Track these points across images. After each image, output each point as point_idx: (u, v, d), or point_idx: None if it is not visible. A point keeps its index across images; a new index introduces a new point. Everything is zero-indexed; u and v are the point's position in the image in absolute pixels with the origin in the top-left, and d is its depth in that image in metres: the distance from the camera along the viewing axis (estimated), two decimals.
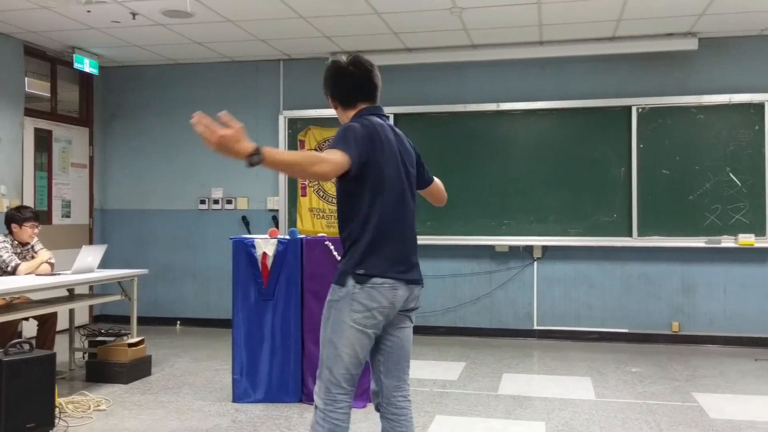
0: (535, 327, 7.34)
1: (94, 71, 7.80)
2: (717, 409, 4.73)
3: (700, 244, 6.86)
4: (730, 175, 6.83)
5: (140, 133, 8.37)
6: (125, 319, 6.18)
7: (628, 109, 7.01)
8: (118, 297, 5.89)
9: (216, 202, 8.12)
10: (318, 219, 7.65)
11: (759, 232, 6.75)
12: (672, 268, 7.06)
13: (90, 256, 5.56)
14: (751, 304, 6.89)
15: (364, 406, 4.70)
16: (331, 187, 7.59)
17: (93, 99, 8.37)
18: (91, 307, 8.24)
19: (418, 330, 7.55)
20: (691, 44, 6.77)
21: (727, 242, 6.80)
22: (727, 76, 6.94)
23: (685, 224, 6.89)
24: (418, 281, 2.79)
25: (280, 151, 2.55)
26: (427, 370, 5.88)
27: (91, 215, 8.34)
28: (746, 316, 6.90)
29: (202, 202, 8.15)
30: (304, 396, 4.81)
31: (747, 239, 6.74)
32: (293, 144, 7.74)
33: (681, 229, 6.91)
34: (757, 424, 4.40)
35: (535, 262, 7.35)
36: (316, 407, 2.71)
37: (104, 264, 6.14)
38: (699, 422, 4.43)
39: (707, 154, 6.87)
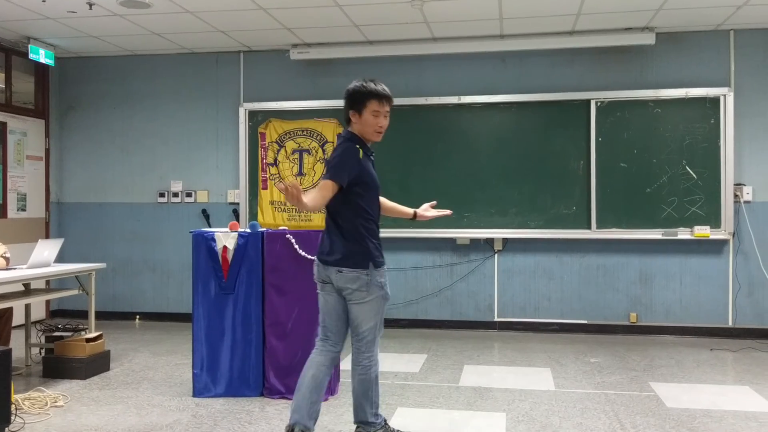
0: (496, 319, 7.41)
1: (50, 62, 7.64)
2: (673, 398, 4.83)
3: (657, 236, 6.98)
4: (687, 168, 6.95)
5: (97, 125, 8.23)
6: (83, 314, 6.08)
7: (587, 102, 7.09)
8: (75, 291, 5.78)
9: (175, 195, 8.03)
10: (279, 212, 7.61)
11: (714, 224, 6.90)
12: (630, 260, 7.18)
13: (46, 250, 5.46)
14: (706, 294, 7.05)
15: (326, 399, 4.70)
16: (292, 181, 7.54)
17: (49, 90, 8.19)
18: (47, 302, 8.09)
19: None
20: (649, 39, 6.87)
21: (683, 234, 6.94)
22: (683, 71, 7.07)
23: (643, 216, 7.01)
24: (326, 262, 3.62)
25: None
26: (389, 362, 5.89)
27: (47, 209, 8.17)
28: (702, 307, 7.05)
29: (162, 195, 8.05)
30: (266, 390, 4.79)
31: (702, 231, 6.88)
32: (253, 136, 7.68)
33: (638, 221, 7.02)
34: (712, 412, 4.50)
35: (496, 255, 7.41)
36: None
37: (61, 258, 6.03)
38: (656, 411, 4.52)
39: (664, 148, 6.99)
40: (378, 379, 3.73)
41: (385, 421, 3.83)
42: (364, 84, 3.59)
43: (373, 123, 3.59)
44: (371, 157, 3.72)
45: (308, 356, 4.69)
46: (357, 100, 3.59)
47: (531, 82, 7.32)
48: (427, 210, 4.14)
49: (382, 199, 3.88)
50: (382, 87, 3.60)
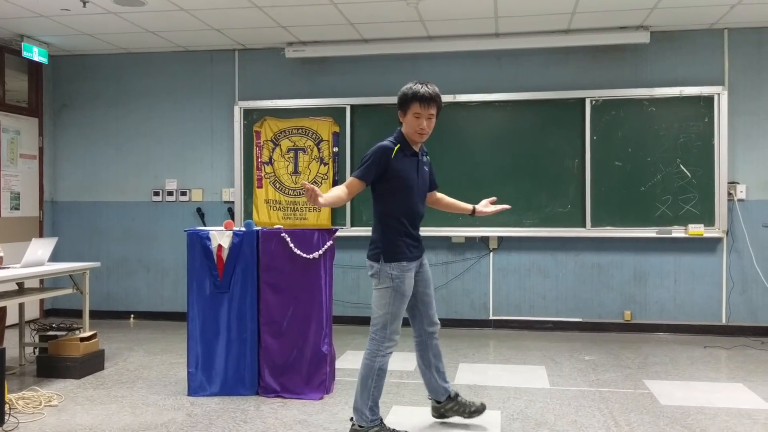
0: (491, 317, 7.42)
1: (44, 60, 7.62)
2: (667, 395, 4.84)
3: (652, 234, 7.00)
4: (681, 166, 6.97)
5: (92, 123, 8.20)
6: (77, 313, 6.07)
7: (582, 101, 7.10)
8: (69, 290, 5.77)
9: (170, 194, 8.01)
10: (274, 211, 7.60)
11: (708, 222, 6.92)
12: (624, 258, 7.19)
13: (40, 249, 5.45)
14: (700, 292, 7.07)
15: (321, 398, 4.70)
16: (287, 179, 7.55)
17: (42, 88, 8.16)
18: (41, 301, 8.07)
19: None
20: (643, 37, 6.88)
21: (677, 232, 6.95)
22: (678, 69, 7.08)
23: (637, 215, 7.03)
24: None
25: None
26: None
27: (41, 207, 8.15)
28: (695, 305, 7.07)
29: (156, 194, 8.03)
30: (261, 389, 4.79)
31: (696, 229, 6.90)
32: (248, 135, 7.67)
33: (633, 219, 7.04)
34: (706, 409, 4.51)
35: (491, 253, 7.42)
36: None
37: (55, 257, 6.02)
38: (650, 409, 4.53)
39: (658, 146, 7.00)
40: (383, 374, 3.83)
41: (381, 420, 3.85)
42: (411, 86, 3.82)
43: (415, 125, 3.83)
44: (420, 157, 3.97)
45: (304, 355, 4.73)
46: (402, 102, 3.84)
47: (526, 81, 7.32)
48: (486, 206, 4.26)
49: (440, 195, 4.22)
50: (426, 89, 3.80)
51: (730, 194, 6.92)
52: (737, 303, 7.00)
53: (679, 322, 7.09)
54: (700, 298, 7.06)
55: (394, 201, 3.81)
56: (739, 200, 6.95)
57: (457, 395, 4.13)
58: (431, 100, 3.80)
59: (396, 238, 3.80)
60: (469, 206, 4.30)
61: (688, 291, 7.08)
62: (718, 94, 6.88)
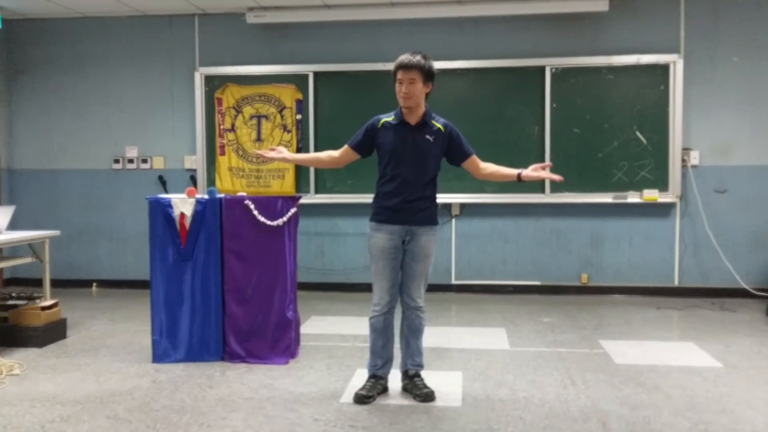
0: (453, 282, 7.55)
1: None
2: (621, 354, 5.01)
3: (608, 199, 7.16)
4: (637, 133, 7.11)
5: (48, 89, 8.03)
6: (38, 283, 6.01)
7: (542, 69, 7.18)
8: (29, 259, 5.72)
9: (131, 161, 7.92)
10: (238, 178, 7.58)
11: (662, 188, 7.09)
12: (582, 223, 7.35)
13: None
14: (654, 255, 7.27)
15: (287, 362, 4.77)
16: (251, 147, 7.51)
17: None
18: (0, 271, 7.96)
19: (340, 287, 7.67)
20: (602, 5, 6.94)
21: (633, 198, 7.12)
22: (635, 38, 7.18)
23: (595, 181, 7.17)
24: None
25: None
26: (349, 325, 5.99)
27: None
28: (649, 267, 7.28)
29: (116, 161, 7.94)
30: (226, 355, 4.83)
31: (651, 195, 7.07)
32: (210, 102, 7.60)
33: (590, 185, 7.18)
34: (658, 367, 4.69)
35: (453, 219, 7.52)
36: (422, 309, 4.10)
37: (13, 226, 5.93)
38: (605, 368, 4.69)
39: (616, 113, 7.13)
40: (374, 332, 4.12)
41: (375, 374, 4.15)
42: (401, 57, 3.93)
43: (398, 90, 3.96)
44: (415, 127, 4.05)
45: (268, 320, 4.78)
46: (393, 76, 3.99)
47: (488, 49, 7.36)
48: (535, 170, 4.11)
49: (483, 165, 4.22)
50: (408, 56, 3.94)
51: (684, 160, 7.10)
52: (689, 265, 7.22)
53: (633, 284, 7.30)
54: (654, 261, 7.27)
55: (380, 167, 4.05)
56: (693, 166, 7.13)
57: (414, 376, 4.14)
58: (409, 66, 3.91)
59: (376, 200, 4.08)
60: (515, 171, 4.14)
61: (643, 254, 7.28)
62: (674, 62, 7.01)
